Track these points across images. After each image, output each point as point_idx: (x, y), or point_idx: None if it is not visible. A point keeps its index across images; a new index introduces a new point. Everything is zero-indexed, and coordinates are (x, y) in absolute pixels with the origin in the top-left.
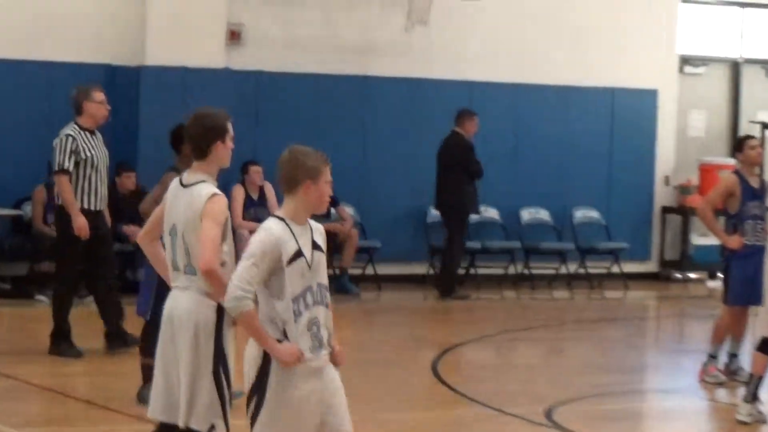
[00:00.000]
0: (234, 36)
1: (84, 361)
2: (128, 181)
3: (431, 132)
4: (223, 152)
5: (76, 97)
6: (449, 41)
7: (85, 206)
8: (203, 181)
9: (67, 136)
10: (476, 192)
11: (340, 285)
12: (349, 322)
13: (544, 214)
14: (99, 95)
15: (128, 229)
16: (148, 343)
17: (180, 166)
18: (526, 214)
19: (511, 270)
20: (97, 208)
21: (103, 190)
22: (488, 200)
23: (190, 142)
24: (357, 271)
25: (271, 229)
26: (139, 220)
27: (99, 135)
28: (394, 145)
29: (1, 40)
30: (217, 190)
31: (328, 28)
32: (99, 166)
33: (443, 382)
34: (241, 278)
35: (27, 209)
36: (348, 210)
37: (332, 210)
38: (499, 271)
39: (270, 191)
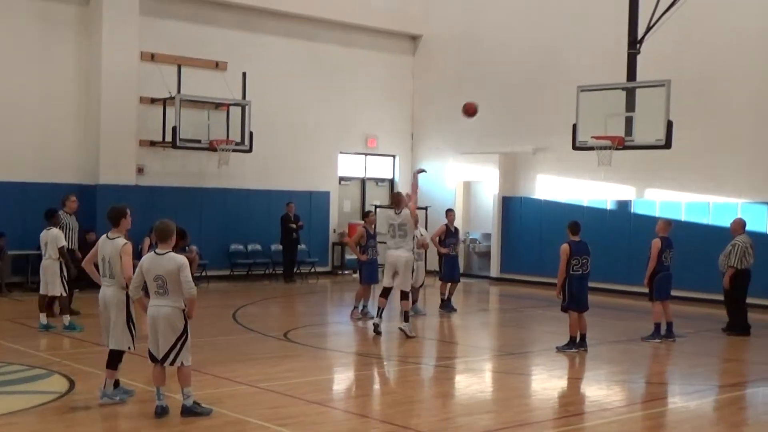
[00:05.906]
0: (140, 170)
1: None
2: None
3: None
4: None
5: (63, 201)
6: (245, 169)
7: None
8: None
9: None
10: None
11: None
12: None
13: None
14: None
15: None
16: None
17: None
18: None
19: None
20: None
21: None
22: None
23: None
24: None
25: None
26: None
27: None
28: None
29: None
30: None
31: (182, 164)
32: (73, 231)
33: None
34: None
35: None
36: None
37: None
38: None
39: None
